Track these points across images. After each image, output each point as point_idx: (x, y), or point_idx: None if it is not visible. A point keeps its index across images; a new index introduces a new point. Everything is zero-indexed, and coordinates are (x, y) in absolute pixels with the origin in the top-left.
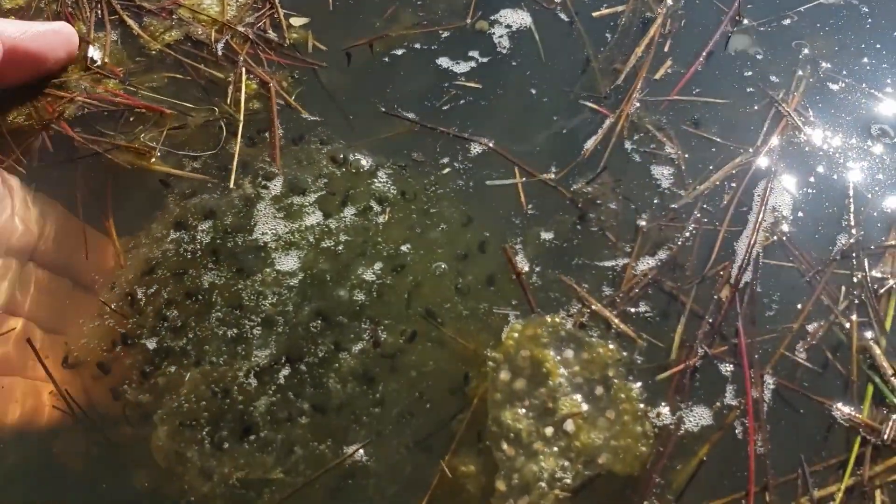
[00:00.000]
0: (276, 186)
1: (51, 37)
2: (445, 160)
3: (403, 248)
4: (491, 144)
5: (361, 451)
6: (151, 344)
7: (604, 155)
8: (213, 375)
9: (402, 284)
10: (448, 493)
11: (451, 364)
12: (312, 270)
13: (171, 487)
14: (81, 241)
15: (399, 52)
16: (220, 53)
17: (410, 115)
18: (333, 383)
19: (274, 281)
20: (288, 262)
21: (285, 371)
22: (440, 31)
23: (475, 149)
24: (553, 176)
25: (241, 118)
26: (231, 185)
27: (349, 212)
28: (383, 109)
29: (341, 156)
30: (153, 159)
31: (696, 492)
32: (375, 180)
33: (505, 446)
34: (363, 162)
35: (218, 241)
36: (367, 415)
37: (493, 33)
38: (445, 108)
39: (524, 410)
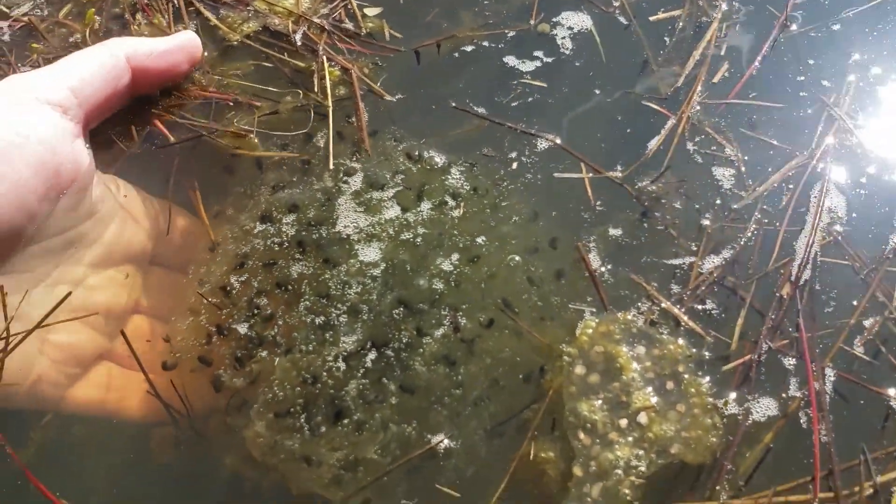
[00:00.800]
0: (356, 182)
1: (177, 54)
2: (513, 154)
3: (478, 240)
4: (558, 141)
5: (442, 434)
6: (244, 331)
7: (667, 155)
8: (302, 362)
9: (477, 274)
10: (529, 477)
11: (525, 353)
12: (393, 261)
13: (268, 479)
14: (196, 238)
15: (468, 48)
16: (299, 43)
17: (480, 111)
18: (419, 366)
19: (358, 271)
20: (370, 254)
21: (372, 355)
22: (506, 32)
23: (542, 144)
24: (619, 174)
25: (330, 103)
26: (330, 167)
27: (425, 206)
28: (454, 104)
29: (416, 153)
30: (252, 141)
31: (763, 477)
32: (449, 176)
33: (581, 435)
34: (437, 159)
35: (303, 234)
36: (448, 396)
37: (556, 35)
38: (514, 104)
39: (599, 402)
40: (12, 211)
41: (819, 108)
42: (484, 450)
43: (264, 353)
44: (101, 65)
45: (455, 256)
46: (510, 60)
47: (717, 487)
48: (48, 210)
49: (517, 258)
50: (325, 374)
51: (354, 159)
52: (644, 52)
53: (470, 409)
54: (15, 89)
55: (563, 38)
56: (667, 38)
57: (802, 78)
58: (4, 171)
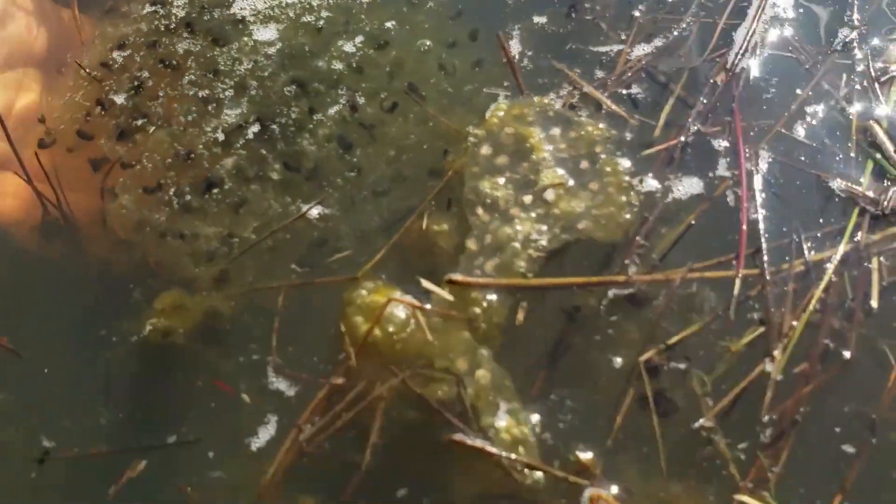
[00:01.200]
0: None
1: None
2: None
3: (388, 24)
4: None
5: (321, 208)
6: (124, 103)
7: None
8: (180, 135)
9: (384, 59)
10: (419, 248)
11: (430, 139)
12: (291, 42)
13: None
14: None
15: None
16: None
17: None
18: (307, 144)
19: (251, 50)
20: (266, 34)
21: (254, 128)
22: None
23: None
24: None
25: None
26: None
27: None
28: None
29: None
30: None
31: (682, 254)
32: None
33: (480, 211)
34: None
35: (193, 16)
36: (342, 179)
37: None
38: None
39: (503, 181)
40: None
41: None
42: (378, 223)
43: (148, 127)
44: None
45: (359, 39)
46: None
47: (627, 262)
48: None
49: (429, 43)
50: (201, 147)
51: None
52: None
53: (365, 193)
54: None
55: None
56: None
57: None
58: None
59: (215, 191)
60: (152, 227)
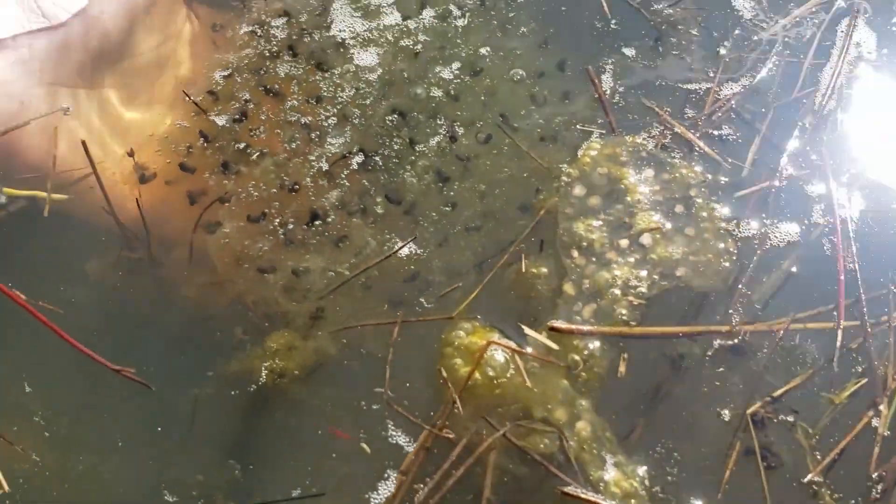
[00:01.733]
0: None
1: None
2: None
3: (482, 51)
4: None
5: (413, 245)
6: (226, 134)
7: None
8: (285, 165)
9: (479, 86)
10: (513, 289)
11: (522, 175)
12: (390, 68)
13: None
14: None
15: None
16: None
17: None
18: (409, 177)
19: (353, 76)
20: (367, 59)
21: (358, 159)
22: None
23: None
24: None
25: None
26: None
27: (428, 14)
28: None
29: None
30: None
31: (782, 303)
32: None
33: (575, 254)
34: None
35: (294, 38)
36: (437, 213)
37: None
38: None
39: (598, 223)
40: (111, 23)
41: None
42: (460, 259)
43: (251, 156)
44: None
45: (456, 66)
46: None
47: (731, 311)
48: (139, 23)
49: (521, 72)
50: (308, 178)
51: None
52: None
53: (458, 229)
54: None
55: None
56: None
57: None
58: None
59: (318, 223)
60: (253, 259)
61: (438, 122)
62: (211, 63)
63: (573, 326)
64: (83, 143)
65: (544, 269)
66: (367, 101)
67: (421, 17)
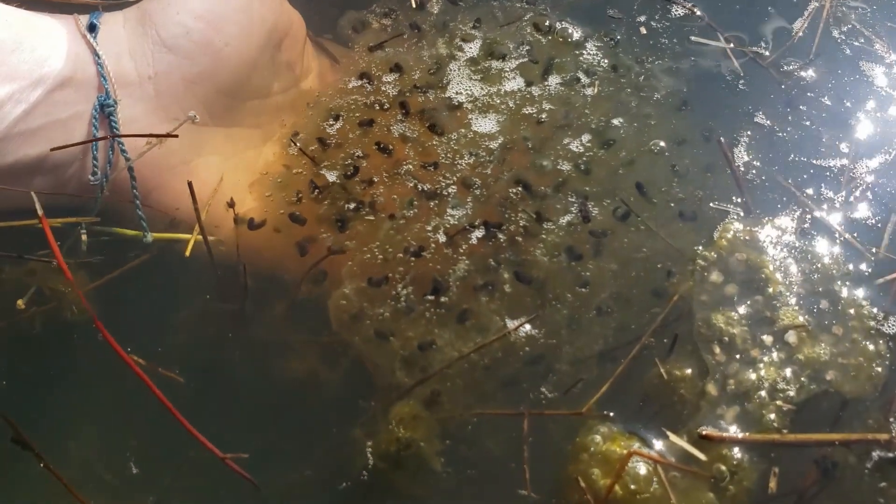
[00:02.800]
0: (473, 49)
1: None
2: (642, 18)
3: (614, 122)
4: (697, 11)
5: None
6: (337, 187)
7: (814, 41)
8: (405, 230)
9: (613, 160)
10: (661, 393)
11: (656, 256)
12: (512, 136)
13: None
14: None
15: None
16: None
17: None
18: (540, 255)
19: (470, 141)
20: (485, 125)
21: (479, 233)
22: None
23: (676, 11)
24: (766, 52)
25: None
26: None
27: (553, 80)
28: None
29: (546, 23)
30: None
31: None
32: (584, 51)
33: (717, 349)
34: (570, 31)
35: (407, 95)
36: (572, 294)
37: None
38: None
39: (737, 315)
40: (238, 60)
41: None
42: (590, 347)
43: (365, 215)
44: None
45: (586, 138)
46: None
47: (891, 419)
48: (268, 60)
49: (661, 143)
50: (433, 246)
51: (473, 26)
52: None
53: (592, 314)
54: None
55: None
56: None
57: None
58: (234, 32)
59: (443, 299)
60: (371, 322)
61: (570, 199)
62: (319, 109)
63: (724, 434)
64: (189, 183)
65: (688, 371)
66: (488, 171)
67: (546, 83)
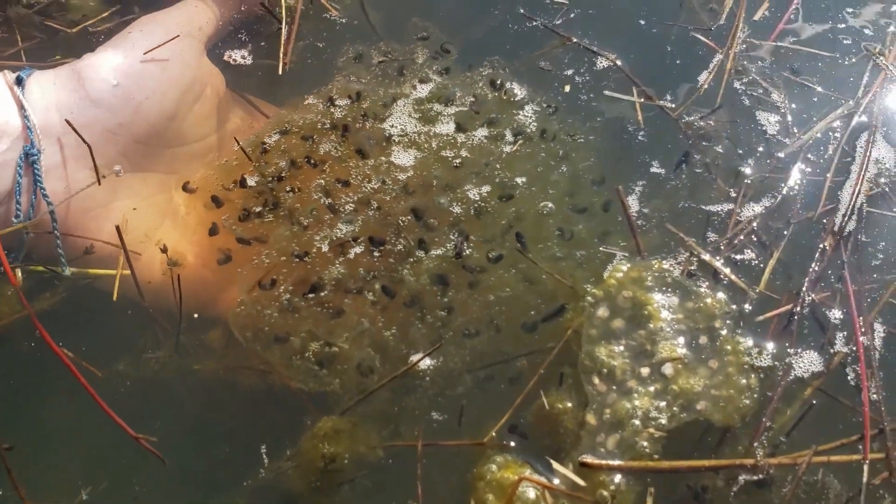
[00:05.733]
0: (424, 91)
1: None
2: (570, 72)
3: (518, 180)
4: (619, 62)
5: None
6: (259, 187)
7: (718, 92)
8: (298, 236)
9: (502, 213)
10: (547, 422)
11: (531, 295)
12: (423, 173)
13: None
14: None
15: None
16: None
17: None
18: (407, 275)
19: (384, 170)
20: (404, 159)
21: (358, 249)
22: None
23: (601, 63)
24: (671, 104)
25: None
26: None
27: (481, 132)
28: (522, 11)
29: (499, 81)
30: None
31: (805, 434)
32: (521, 112)
33: (596, 380)
34: (517, 91)
35: (349, 119)
36: (432, 316)
37: None
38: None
39: (620, 348)
40: (157, 113)
41: (864, 57)
42: (468, 378)
43: (270, 218)
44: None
45: (486, 188)
46: None
47: (755, 444)
48: (185, 112)
49: (550, 205)
50: (313, 252)
51: (437, 71)
52: None
53: (451, 334)
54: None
55: None
56: None
57: (843, 25)
58: (153, 87)
59: (319, 294)
60: (267, 328)
61: (452, 235)
62: (278, 118)
63: (603, 462)
64: (117, 227)
65: (568, 403)
66: (388, 197)
67: (474, 133)
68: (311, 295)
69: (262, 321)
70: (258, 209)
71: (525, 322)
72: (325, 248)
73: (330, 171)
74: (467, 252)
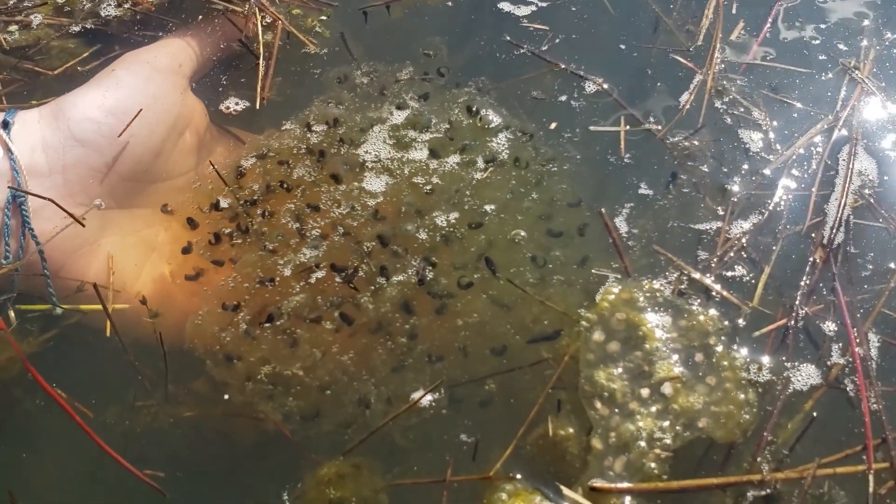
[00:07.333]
0: (400, 117)
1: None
2: (563, 98)
3: (487, 207)
4: (605, 85)
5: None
6: (232, 211)
7: (700, 112)
8: (264, 261)
9: (472, 240)
10: (552, 449)
11: (499, 322)
12: (393, 199)
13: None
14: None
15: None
16: None
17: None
18: (365, 301)
19: (354, 196)
20: (375, 185)
21: (319, 274)
22: None
23: (589, 87)
24: (656, 127)
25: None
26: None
27: (453, 159)
28: (507, 38)
29: (475, 108)
30: None
31: (807, 447)
32: (495, 140)
33: (598, 405)
34: (492, 118)
35: (325, 145)
36: (394, 343)
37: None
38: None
39: (618, 371)
40: (142, 150)
41: (840, 71)
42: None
43: (240, 242)
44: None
45: (454, 215)
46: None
47: (759, 458)
48: (170, 148)
49: (522, 233)
50: (277, 277)
51: (413, 97)
52: (652, 8)
53: (412, 360)
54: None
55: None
56: None
57: (817, 42)
58: (138, 124)
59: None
60: (218, 346)
61: (414, 261)
62: (254, 143)
63: (612, 485)
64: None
65: (570, 430)
66: (355, 223)
67: (446, 160)
68: (267, 325)
69: (217, 340)
70: (228, 231)
71: (498, 346)
72: (287, 273)
73: (302, 195)
74: (430, 277)
